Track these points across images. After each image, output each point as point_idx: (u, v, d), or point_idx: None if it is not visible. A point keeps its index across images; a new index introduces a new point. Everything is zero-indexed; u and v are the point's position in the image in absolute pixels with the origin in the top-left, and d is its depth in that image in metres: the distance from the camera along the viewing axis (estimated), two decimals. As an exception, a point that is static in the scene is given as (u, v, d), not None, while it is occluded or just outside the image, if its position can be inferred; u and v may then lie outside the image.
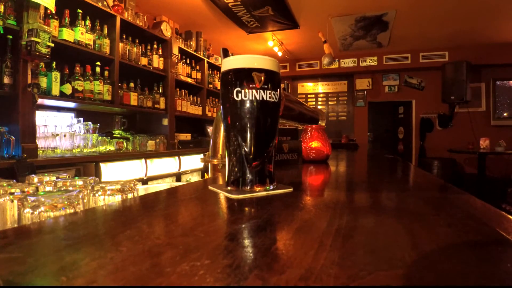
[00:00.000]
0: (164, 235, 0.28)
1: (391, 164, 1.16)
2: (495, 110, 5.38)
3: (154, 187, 0.90)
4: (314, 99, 6.41)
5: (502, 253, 0.24)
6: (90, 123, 2.61)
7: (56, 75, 2.35)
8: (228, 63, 0.45)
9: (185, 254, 0.22)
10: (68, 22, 2.43)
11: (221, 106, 0.46)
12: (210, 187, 0.49)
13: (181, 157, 3.45)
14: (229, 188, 0.45)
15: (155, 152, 3.19)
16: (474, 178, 4.78)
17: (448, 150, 5.11)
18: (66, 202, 0.40)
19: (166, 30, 3.57)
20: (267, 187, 0.45)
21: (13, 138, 1.96)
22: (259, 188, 0.44)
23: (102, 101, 2.70)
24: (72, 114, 2.87)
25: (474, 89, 5.25)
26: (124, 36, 3.01)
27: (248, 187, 0.44)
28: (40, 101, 2.22)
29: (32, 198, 0.40)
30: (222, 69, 0.46)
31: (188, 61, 4.10)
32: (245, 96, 0.43)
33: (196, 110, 4.21)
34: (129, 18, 3.09)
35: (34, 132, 2.11)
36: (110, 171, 2.51)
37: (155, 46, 3.41)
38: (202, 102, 4.38)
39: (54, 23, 2.32)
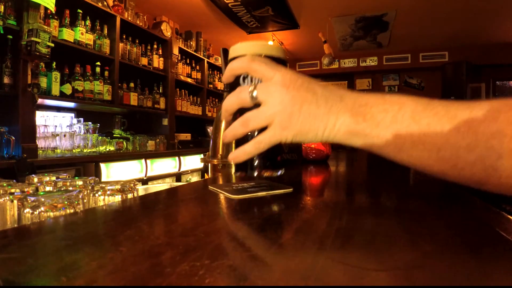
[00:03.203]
0: (164, 235, 0.28)
1: (391, 164, 1.16)
2: (495, 110, 5.37)
3: (154, 187, 0.90)
4: (314, 99, 6.40)
5: (502, 253, 0.24)
6: (90, 123, 2.61)
7: (56, 75, 2.34)
8: (236, 51, 0.45)
9: (185, 254, 0.22)
10: (68, 22, 2.43)
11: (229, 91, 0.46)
12: (210, 187, 0.49)
13: (181, 157, 3.45)
14: (237, 174, 0.45)
15: (155, 152, 3.19)
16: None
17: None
18: (66, 202, 0.40)
19: (166, 30, 3.57)
20: (274, 174, 0.45)
21: (13, 138, 1.95)
22: (267, 174, 0.44)
23: (102, 101, 2.70)
24: (72, 114, 2.87)
25: (474, 89, 5.24)
26: (124, 36, 3.01)
27: (256, 172, 0.44)
28: (40, 101, 2.22)
29: (32, 198, 0.40)
30: (230, 56, 0.46)
31: (188, 61, 4.10)
32: (251, 81, 0.43)
33: (196, 110, 4.21)
34: (129, 18, 3.08)
35: (34, 132, 2.11)
36: (110, 171, 2.51)
37: (155, 46, 3.41)
38: (202, 102, 4.38)
39: (54, 23, 2.31)
